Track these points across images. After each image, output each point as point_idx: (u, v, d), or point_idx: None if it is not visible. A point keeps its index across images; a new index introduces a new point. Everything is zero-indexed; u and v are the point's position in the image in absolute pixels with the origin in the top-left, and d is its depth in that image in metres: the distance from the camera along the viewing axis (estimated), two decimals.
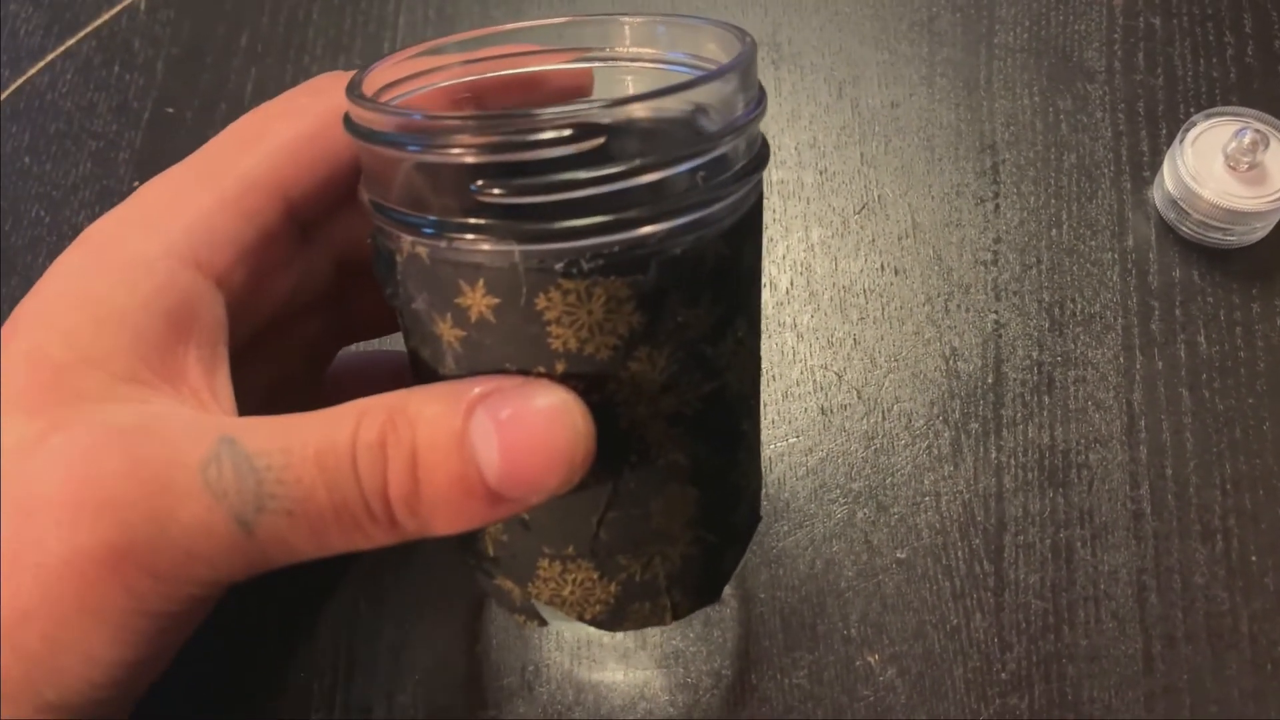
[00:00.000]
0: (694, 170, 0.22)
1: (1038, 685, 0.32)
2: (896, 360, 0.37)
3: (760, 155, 0.24)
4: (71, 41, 0.45)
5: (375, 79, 0.25)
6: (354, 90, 0.24)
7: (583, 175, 0.21)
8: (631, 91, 0.28)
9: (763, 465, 0.32)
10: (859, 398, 0.36)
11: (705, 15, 0.27)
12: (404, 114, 0.23)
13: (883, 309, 0.38)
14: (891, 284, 0.38)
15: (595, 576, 0.26)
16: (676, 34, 0.27)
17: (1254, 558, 0.34)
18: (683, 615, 0.28)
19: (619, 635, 0.33)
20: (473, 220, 0.22)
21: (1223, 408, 0.36)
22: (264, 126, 0.26)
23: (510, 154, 0.21)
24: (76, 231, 0.41)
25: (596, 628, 0.27)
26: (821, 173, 0.40)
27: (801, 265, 0.39)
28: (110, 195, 0.42)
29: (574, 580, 0.26)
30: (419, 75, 0.26)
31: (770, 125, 0.41)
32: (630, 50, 0.27)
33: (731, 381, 0.25)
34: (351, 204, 0.26)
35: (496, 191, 0.21)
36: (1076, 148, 0.40)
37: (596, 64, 0.28)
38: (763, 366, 0.37)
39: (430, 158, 0.22)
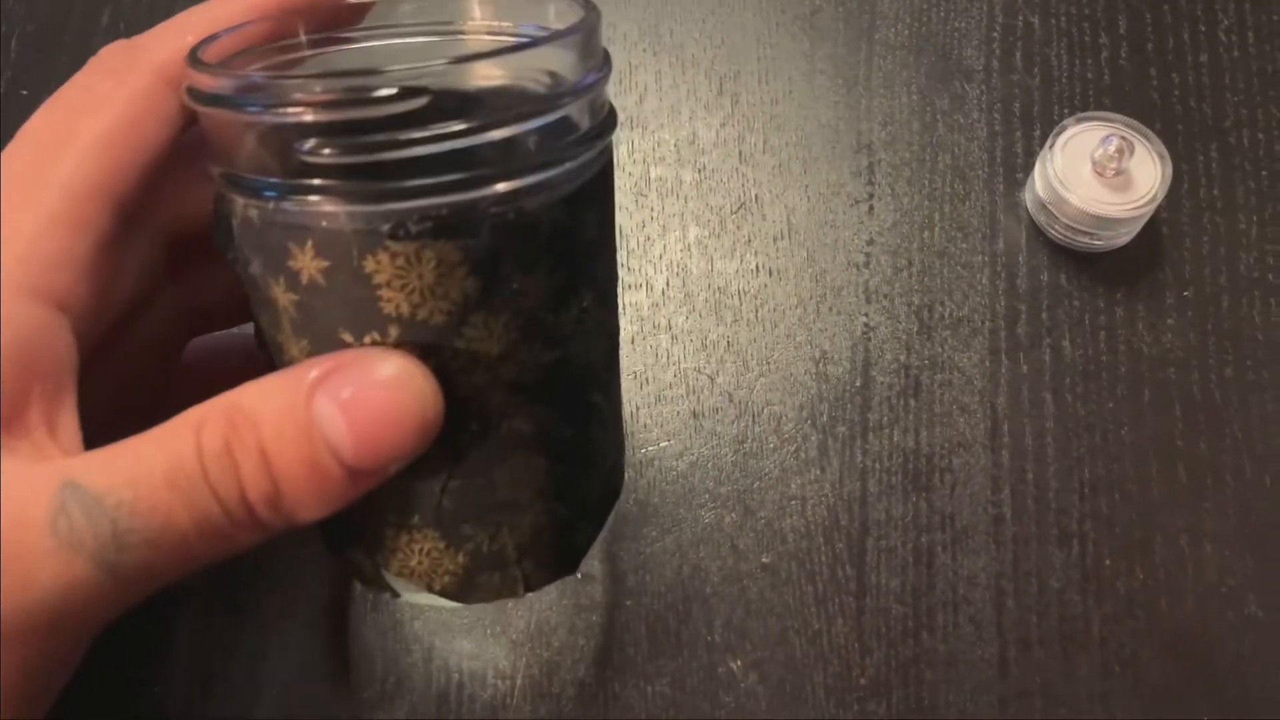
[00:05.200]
0: (527, 133, 0.22)
1: (896, 690, 0.33)
2: (768, 363, 0.37)
3: (605, 123, 0.25)
4: None
5: (215, 50, 0.25)
6: (193, 57, 0.23)
7: (407, 135, 0.21)
8: None
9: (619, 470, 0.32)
10: (730, 401, 0.36)
11: None
12: (241, 75, 0.23)
13: (756, 311, 0.38)
14: (766, 286, 0.38)
15: (442, 546, 0.26)
16: (523, 7, 0.27)
17: (1107, 561, 0.34)
18: (536, 588, 0.28)
19: (483, 641, 0.33)
20: (298, 181, 0.22)
21: (1084, 412, 0.36)
22: (70, 125, 0.24)
23: (339, 113, 0.21)
24: None
25: (447, 599, 0.27)
26: (700, 170, 0.40)
27: (678, 265, 0.38)
28: None
29: (420, 550, 0.26)
30: (259, 52, 0.26)
31: (650, 120, 0.41)
32: (480, 24, 0.27)
33: (577, 352, 0.25)
34: (169, 181, 0.26)
35: (323, 151, 0.21)
36: (952, 148, 0.40)
37: (445, 38, 0.27)
38: (629, 359, 0.37)
39: (266, 119, 0.22)
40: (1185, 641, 0.33)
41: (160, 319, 0.29)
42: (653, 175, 0.40)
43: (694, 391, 0.37)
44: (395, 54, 0.27)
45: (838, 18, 0.43)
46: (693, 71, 0.42)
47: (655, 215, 0.39)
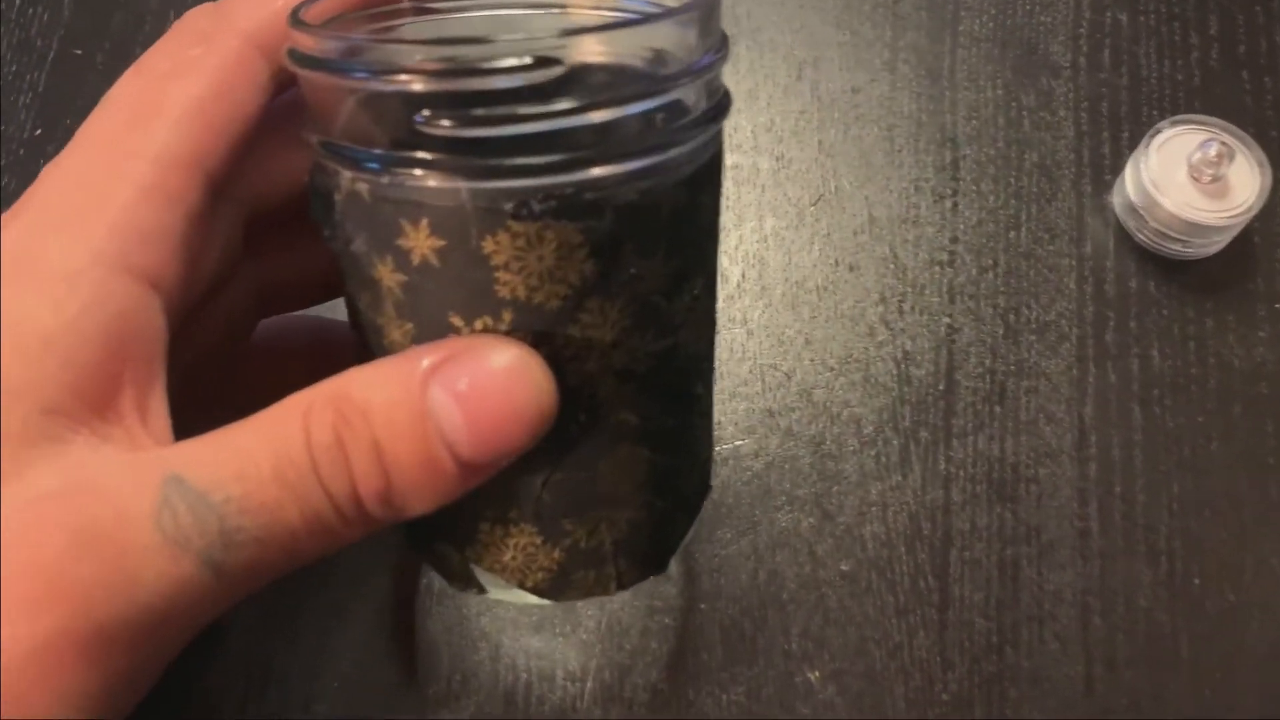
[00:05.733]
0: (652, 111, 0.22)
1: (978, 707, 0.32)
2: (848, 362, 0.36)
3: (721, 104, 0.24)
4: None
5: (313, 14, 0.23)
6: (295, 18, 0.22)
7: (537, 109, 0.20)
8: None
9: (709, 464, 0.30)
10: (808, 400, 0.35)
11: None
12: (349, 38, 0.21)
13: (835, 307, 0.37)
14: (845, 281, 0.37)
15: (539, 542, 0.25)
16: None
17: (1196, 580, 0.33)
18: (628, 586, 0.27)
19: (553, 640, 0.32)
20: (418, 154, 0.20)
21: (1173, 425, 0.35)
22: (160, 92, 0.23)
23: (460, 82, 0.20)
24: None
25: (538, 596, 0.26)
26: (778, 159, 0.39)
27: (754, 257, 0.37)
28: (9, 143, 0.38)
29: (516, 545, 0.25)
30: (356, 18, 0.25)
31: None
32: None
33: (686, 340, 0.24)
34: (253, 152, 0.25)
35: (444, 123, 0.20)
36: (1038, 146, 0.39)
37: (548, 12, 0.26)
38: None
39: (376, 85, 0.21)
40: (1278, 666, 0.32)
41: (234, 298, 0.27)
42: (729, 162, 0.39)
43: (770, 389, 0.35)
44: (500, 26, 0.26)
45: (920, 6, 0.41)
46: (771, 55, 0.40)
47: (731, 204, 0.38)
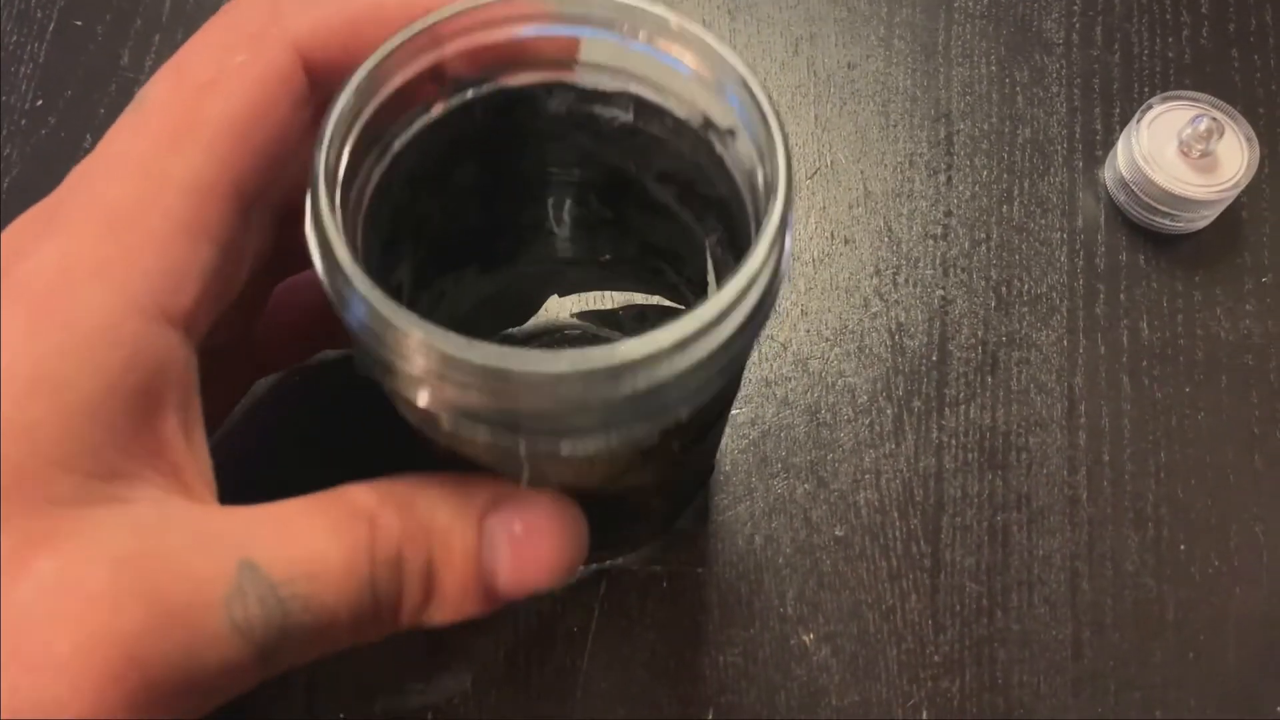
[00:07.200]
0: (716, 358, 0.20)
1: (969, 669, 0.32)
2: (843, 333, 0.36)
3: (779, 277, 0.21)
4: None
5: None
6: (315, 215, 0.19)
7: (596, 420, 0.19)
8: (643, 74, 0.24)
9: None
10: (804, 370, 0.36)
11: None
12: (398, 325, 0.18)
13: (831, 279, 0.37)
14: (841, 253, 0.37)
15: None
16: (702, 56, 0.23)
17: (1182, 546, 0.34)
18: (637, 550, 0.30)
19: (551, 602, 0.32)
20: (466, 419, 0.20)
21: (1160, 396, 0.36)
22: (195, 107, 0.21)
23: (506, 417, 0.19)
24: None
25: None
26: None
27: None
28: (11, 113, 0.38)
29: None
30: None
31: None
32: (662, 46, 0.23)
33: (715, 439, 0.26)
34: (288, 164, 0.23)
35: (496, 416, 0.19)
36: (1031, 122, 0.40)
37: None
38: None
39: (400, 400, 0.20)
40: (1260, 630, 0.33)
41: (252, 288, 0.26)
42: None
43: (767, 359, 0.36)
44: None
45: None
46: (768, 31, 0.41)
47: None
